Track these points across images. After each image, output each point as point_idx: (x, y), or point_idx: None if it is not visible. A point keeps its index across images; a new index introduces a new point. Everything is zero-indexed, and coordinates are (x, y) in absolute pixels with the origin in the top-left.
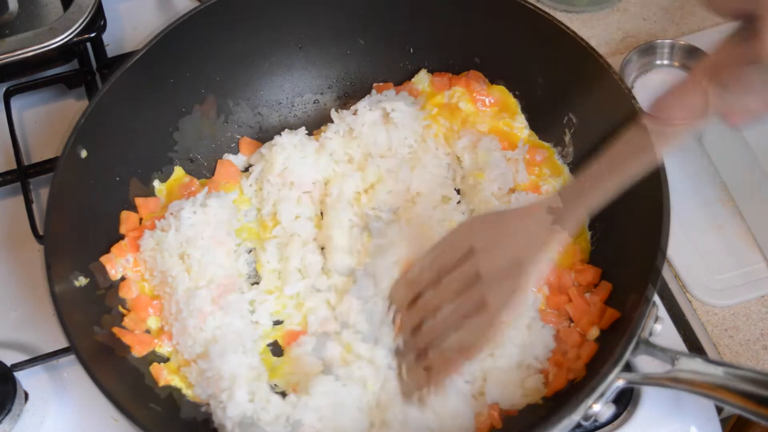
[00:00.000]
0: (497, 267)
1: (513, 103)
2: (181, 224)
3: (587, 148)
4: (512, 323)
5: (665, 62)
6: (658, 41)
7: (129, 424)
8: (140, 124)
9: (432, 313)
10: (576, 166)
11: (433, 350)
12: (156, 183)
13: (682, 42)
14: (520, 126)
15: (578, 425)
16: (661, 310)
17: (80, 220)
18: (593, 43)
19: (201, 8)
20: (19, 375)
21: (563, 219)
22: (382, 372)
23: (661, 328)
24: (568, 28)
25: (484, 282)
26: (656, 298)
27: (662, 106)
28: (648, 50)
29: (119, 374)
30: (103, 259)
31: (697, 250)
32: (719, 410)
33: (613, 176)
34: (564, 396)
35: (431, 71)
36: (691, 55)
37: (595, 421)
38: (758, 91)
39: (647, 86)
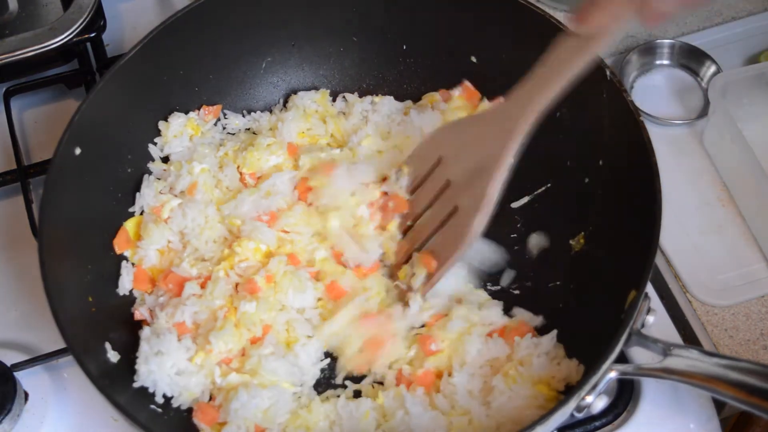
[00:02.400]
0: (464, 172)
1: None
2: None
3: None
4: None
5: (665, 62)
6: (658, 41)
7: (129, 424)
8: (134, 122)
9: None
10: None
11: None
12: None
13: (682, 42)
14: None
15: (578, 424)
16: (656, 304)
17: (75, 216)
18: None
19: (194, 6)
20: (19, 375)
21: (516, 122)
22: None
23: (654, 320)
24: (568, 28)
25: (454, 188)
26: (650, 290)
27: (587, 13)
28: (648, 50)
29: (118, 374)
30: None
31: (697, 250)
32: (719, 409)
33: (556, 77)
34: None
35: (425, 70)
36: (691, 55)
37: (589, 412)
38: None
39: (647, 86)
